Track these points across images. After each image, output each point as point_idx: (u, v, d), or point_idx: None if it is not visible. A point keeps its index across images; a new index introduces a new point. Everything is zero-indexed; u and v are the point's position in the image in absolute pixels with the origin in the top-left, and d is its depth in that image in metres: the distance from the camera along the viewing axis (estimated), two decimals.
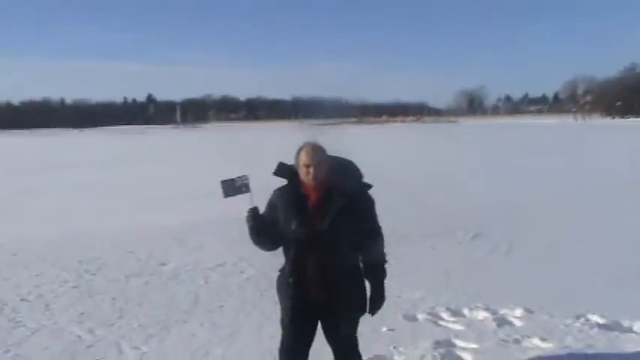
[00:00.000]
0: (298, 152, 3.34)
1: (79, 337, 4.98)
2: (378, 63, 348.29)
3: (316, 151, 3.31)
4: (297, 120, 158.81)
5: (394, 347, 4.48)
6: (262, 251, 3.51)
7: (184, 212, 11.46)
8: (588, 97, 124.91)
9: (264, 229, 3.40)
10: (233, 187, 3.59)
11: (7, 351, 4.72)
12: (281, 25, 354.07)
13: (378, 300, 3.49)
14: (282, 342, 3.58)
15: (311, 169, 3.25)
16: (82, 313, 5.58)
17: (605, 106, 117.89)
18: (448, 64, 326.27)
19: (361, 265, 3.47)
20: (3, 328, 5.23)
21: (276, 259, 3.49)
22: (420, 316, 5.18)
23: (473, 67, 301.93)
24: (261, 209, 3.43)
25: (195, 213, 11.14)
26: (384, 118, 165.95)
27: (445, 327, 4.95)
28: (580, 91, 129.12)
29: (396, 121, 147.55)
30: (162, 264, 7.40)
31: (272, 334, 4.83)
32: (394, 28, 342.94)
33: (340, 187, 3.30)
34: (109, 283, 6.60)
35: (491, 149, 30.93)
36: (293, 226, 3.28)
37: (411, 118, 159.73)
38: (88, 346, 4.77)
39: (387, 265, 3.47)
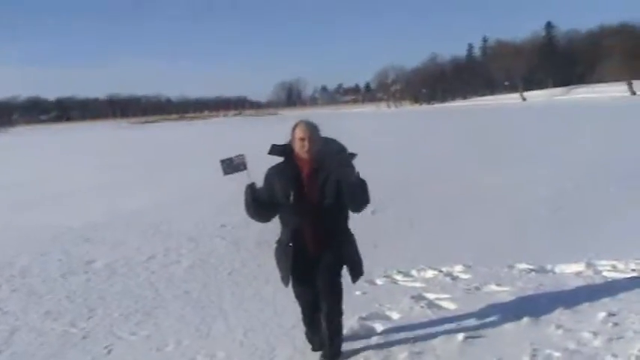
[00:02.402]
0: (294, 128, 3.87)
1: (66, 331, 4.93)
2: (192, 58, 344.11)
3: (310, 126, 3.85)
4: (114, 118, 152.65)
5: (379, 305, 4.97)
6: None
7: (79, 210, 11.03)
8: (397, 86, 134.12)
9: (261, 203, 3.87)
10: (231, 166, 4.00)
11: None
12: (84, 19, 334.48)
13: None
14: (297, 295, 4.11)
15: (305, 142, 3.78)
16: (48, 312, 5.46)
17: (412, 94, 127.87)
18: (266, 58, 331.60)
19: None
20: None
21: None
22: (379, 281, 5.73)
23: (290, 61, 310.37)
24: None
25: (92, 210, 10.84)
26: (206, 113, 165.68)
27: (407, 285, 5.56)
28: (389, 80, 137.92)
29: (218, 116, 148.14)
30: (89, 262, 7.23)
31: (259, 308, 5.21)
32: (209, 25, 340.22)
33: (329, 160, 3.82)
34: (50, 284, 6.40)
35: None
36: (291, 198, 3.79)
37: (232, 112, 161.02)
38: (84, 337, 4.79)
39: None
